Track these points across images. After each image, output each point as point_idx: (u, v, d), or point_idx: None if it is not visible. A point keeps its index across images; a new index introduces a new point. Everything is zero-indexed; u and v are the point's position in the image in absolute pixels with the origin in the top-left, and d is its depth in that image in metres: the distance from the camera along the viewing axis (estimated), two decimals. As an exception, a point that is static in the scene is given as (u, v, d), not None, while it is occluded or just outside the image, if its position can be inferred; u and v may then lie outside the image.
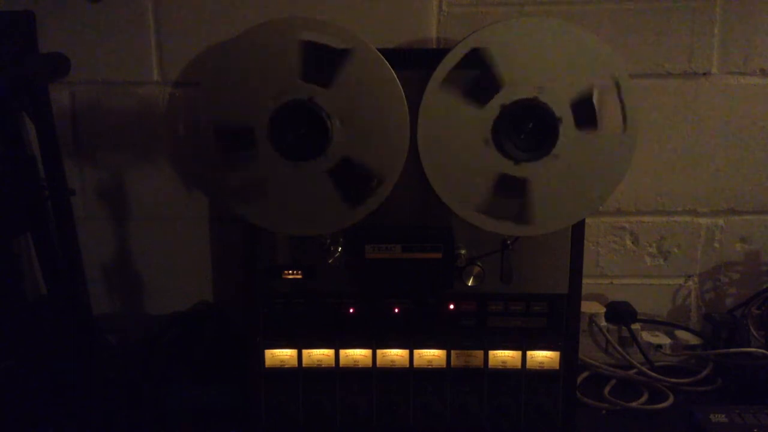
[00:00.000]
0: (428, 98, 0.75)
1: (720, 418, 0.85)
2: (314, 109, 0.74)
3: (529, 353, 0.86)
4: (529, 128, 0.76)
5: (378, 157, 0.76)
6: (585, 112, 0.74)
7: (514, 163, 0.75)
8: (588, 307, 1.02)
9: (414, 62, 0.78)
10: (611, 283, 1.09)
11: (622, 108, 0.75)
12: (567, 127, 0.74)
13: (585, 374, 1.02)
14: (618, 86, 0.74)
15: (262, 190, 0.77)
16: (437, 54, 0.75)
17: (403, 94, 0.75)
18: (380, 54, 0.74)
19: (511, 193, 0.77)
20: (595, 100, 0.74)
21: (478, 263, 0.83)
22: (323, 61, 0.74)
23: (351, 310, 0.86)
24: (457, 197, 0.77)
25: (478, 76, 0.74)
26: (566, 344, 0.86)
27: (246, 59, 0.75)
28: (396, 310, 0.86)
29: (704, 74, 1.01)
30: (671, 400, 0.95)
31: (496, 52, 0.74)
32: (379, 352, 0.87)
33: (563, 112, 0.74)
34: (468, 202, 0.77)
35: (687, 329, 1.06)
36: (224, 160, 0.76)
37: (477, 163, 0.76)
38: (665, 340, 1.03)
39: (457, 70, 0.74)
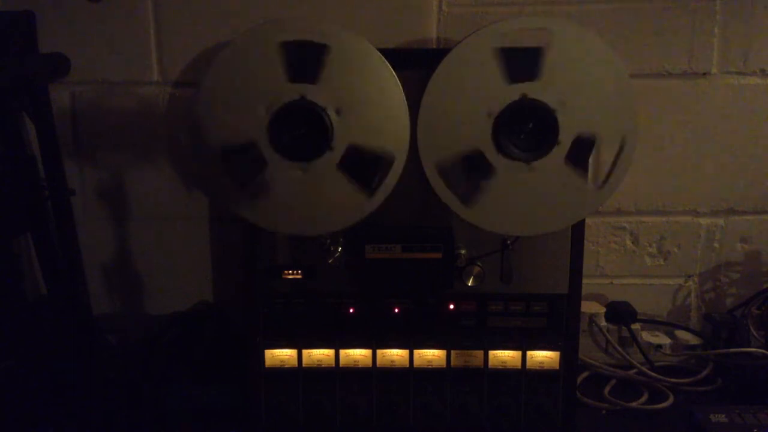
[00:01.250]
0: (472, 40, 0.74)
1: (720, 418, 0.85)
2: (309, 106, 0.74)
3: (529, 353, 0.86)
4: (529, 130, 0.75)
5: (382, 137, 0.76)
6: (581, 152, 0.75)
7: (497, 150, 0.75)
8: (588, 307, 1.02)
9: (414, 62, 0.78)
10: (611, 283, 1.09)
11: (611, 169, 0.75)
12: (559, 153, 0.74)
13: (585, 374, 1.02)
14: (621, 148, 0.75)
15: (274, 196, 0.76)
16: (437, 54, 0.75)
17: (390, 67, 0.74)
18: (360, 36, 0.74)
19: (474, 173, 0.76)
20: (595, 149, 0.75)
21: (478, 263, 0.83)
22: (305, 57, 0.73)
23: (351, 310, 0.86)
24: (429, 148, 0.76)
25: (523, 56, 0.73)
26: (566, 344, 0.86)
27: (234, 73, 0.75)
28: (396, 310, 0.86)
29: (704, 74, 1.01)
30: (671, 400, 0.95)
31: (553, 48, 0.73)
32: (379, 352, 0.87)
33: (565, 138, 0.74)
34: (435, 156, 0.76)
35: (687, 329, 1.06)
36: (235, 179, 0.76)
37: (466, 130, 0.75)
38: (665, 340, 1.03)
39: (508, 38, 0.74)
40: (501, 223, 0.78)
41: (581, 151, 0.75)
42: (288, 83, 0.74)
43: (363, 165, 0.76)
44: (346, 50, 0.74)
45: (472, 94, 0.75)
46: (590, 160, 0.76)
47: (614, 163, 0.75)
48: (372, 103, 0.75)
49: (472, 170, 0.76)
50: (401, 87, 0.75)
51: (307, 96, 0.74)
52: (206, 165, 0.77)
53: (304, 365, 0.87)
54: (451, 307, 0.86)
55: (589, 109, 0.74)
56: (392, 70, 0.75)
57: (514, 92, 0.74)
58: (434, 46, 1.00)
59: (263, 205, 0.77)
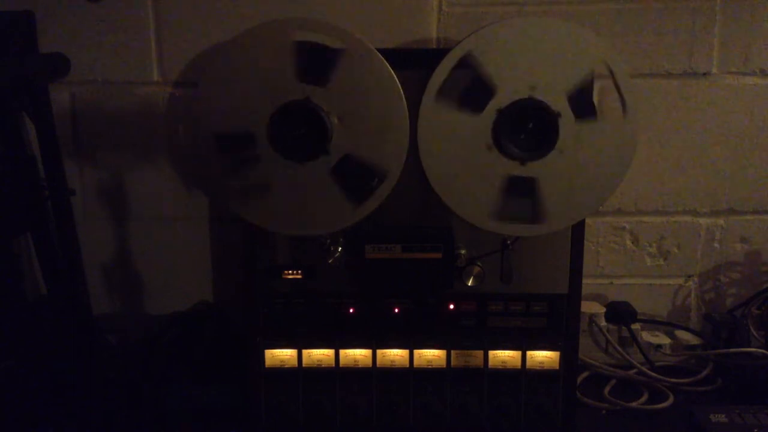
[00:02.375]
0: (425, 111, 0.75)
1: (720, 418, 0.85)
2: (312, 108, 0.74)
3: (529, 353, 0.86)
4: (529, 128, 0.76)
5: (379, 153, 0.76)
6: (582, 103, 0.75)
7: (521, 163, 0.76)
8: (588, 307, 1.02)
9: (414, 62, 0.78)
10: (611, 283, 1.09)
11: (619, 92, 0.75)
12: (566, 121, 0.75)
13: (585, 374, 1.02)
14: (611, 71, 0.74)
15: (264, 192, 0.77)
16: (437, 54, 0.75)
17: (399, 87, 0.75)
18: (375, 50, 0.74)
19: (521, 195, 0.77)
20: (590, 90, 0.74)
21: (478, 263, 0.83)
22: (317, 61, 0.74)
23: (351, 310, 0.86)
24: (468, 206, 0.78)
25: (470, 85, 0.74)
26: (566, 344, 0.86)
27: (241, 64, 0.75)
28: (396, 310, 0.86)
29: (704, 74, 1.01)
30: (671, 400, 0.95)
31: (484, 58, 0.74)
32: (379, 352, 0.87)
33: (561, 106, 0.74)
34: (481, 209, 0.77)
35: (687, 329, 1.06)
36: (226, 166, 0.76)
37: (483, 170, 0.76)
38: (665, 340, 1.03)
39: (449, 82, 0.75)
40: (566, 216, 0.78)
41: (583, 102, 0.74)
42: (296, 81, 0.74)
43: (355, 175, 0.76)
44: (359, 60, 0.74)
45: (461, 130, 0.76)
46: (597, 100, 0.75)
47: (618, 89, 0.74)
48: (375, 117, 0.76)
49: (519, 194, 0.77)
50: (405, 106, 0.75)
51: (313, 98, 0.74)
52: (200, 150, 0.76)
53: (304, 365, 0.87)
54: (451, 307, 0.86)
55: (560, 72, 0.74)
56: (400, 88, 0.75)
57: (489, 114, 0.74)
58: (434, 46, 1.00)
59: (256, 201, 0.77)
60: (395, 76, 0.75)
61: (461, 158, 0.76)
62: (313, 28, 0.74)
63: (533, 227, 0.78)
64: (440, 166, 0.77)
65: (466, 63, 0.74)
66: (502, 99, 0.74)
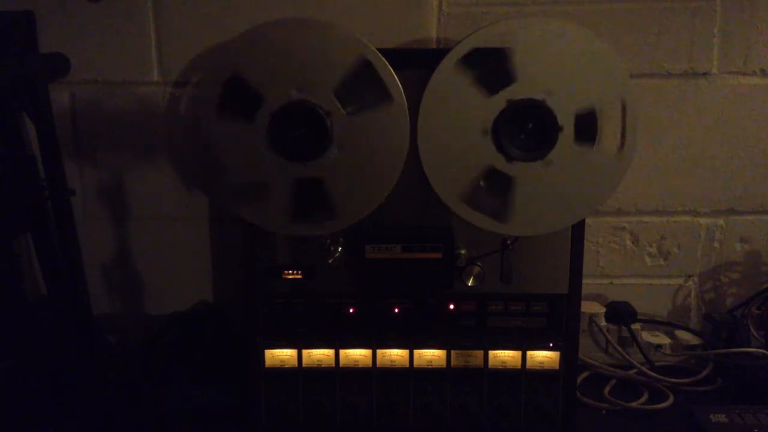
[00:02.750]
0: (440, 74, 0.75)
1: (720, 418, 0.85)
2: (313, 108, 0.74)
3: (529, 353, 0.86)
4: (529, 129, 0.76)
5: (378, 156, 0.76)
6: (586, 126, 0.75)
7: (507, 160, 0.76)
8: (588, 307, 1.02)
9: (414, 62, 0.78)
10: (611, 283, 1.09)
11: (623, 130, 0.75)
12: (566, 137, 0.75)
13: (585, 374, 1.02)
14: (624, 107, 0.75)
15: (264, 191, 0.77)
16: (437, 54, 0.75)
17: (402, 91, 0.75)
18: (378, 52, 0.75)
19: (495, 189, 0.77)
20: (598, 117, 0.75)
21: (478, 263, 0.83)
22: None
23: (351, 310, 0.86)
24: (444, 183, 0.77)
25: (493, 65, 0.74)
26: (566, 344, 0.86)
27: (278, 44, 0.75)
28: (396, 310, 0.86)
29: (704, 74, 1.01)
30: (671, 400, 0.95)
31: (518, 46, 0.74)
32: (379, 352, 0.87)
33: (566, 120, 0.74)
34: (454, 189, 0.77)
35: (687, 329, 1.06)
36: (223, 115, 0.76)
37: (470, 152, 0.76)
38: (665, 340, 1.03)
39: (474, 54, 0.74)
40: (532, 225, 0.79)
41: (587, 126, 0.75)
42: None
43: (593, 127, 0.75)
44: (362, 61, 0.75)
45: (463, 112, 0.76)
46: (599, 131, 0.75)
47: (623, 126, 0.75)
48: (374, 119, 0.76)
49: (493, 186, 0.77)
50: (406, 108, 0.76)
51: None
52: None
53: (304, 365, 0.87)
54: (451, 307, 0.86)
55: (577, 87, 0.75)
56: (401, 90, 0.75)
57: (499, 101, 0.75)
58: (434, 46, 1.00)
59: (256, 198, 0.78)
60: (396, 77, 0.75)
61: (455, 135, 0.76)
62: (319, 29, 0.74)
63: (495, 224, 0.78)
64: (433, 139, 0.77)
65: (497, 46, 0.74)
66: (516, 91, 0.74)
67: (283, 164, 0.76)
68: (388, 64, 0.75)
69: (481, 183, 0.77)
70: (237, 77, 0.75)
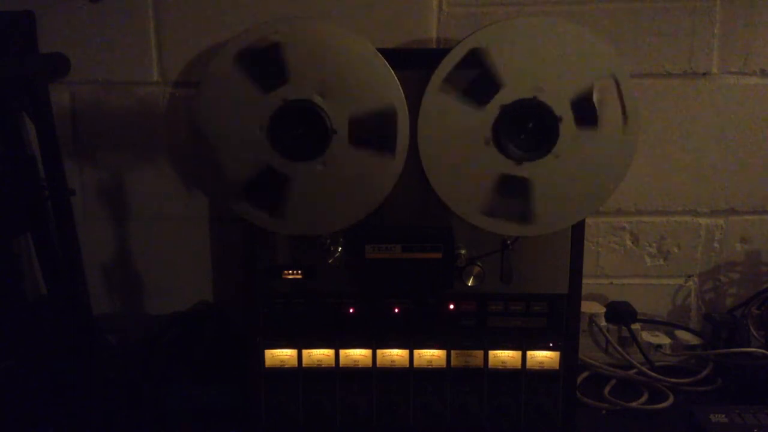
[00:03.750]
0: (428, 100, 0.75)
1: (720, 418, 0.85)
2: (313, 108, 0.74)
3: (529, 353, 0.86)
4: (529, 128, 0.76)
5: (376, 97, 0.76)
6: (585, 111, 0.75)
7: (516, 163, 0.76)
8: (588, 307, 1.02)
9: (414, 62, 0.78)
10: (611, 283, 1.09)
11: (622, 104, 0.75)
12: (567, 126, 0.75)
13: (585, 374, 1.02)
14: (617, 83, 0.74)
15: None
16: (437, 54, 0.75)
17: (401, 91, 0.75)
18: (378, 52, 0.75)
19: (513, 194, 0.77)
20: (594, 98, 0.74)
21: (478, 263, 0.83)
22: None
23: (351, 310, 0.86)
24: (460, 200, 0.78)
25: (477, 77, 0.74)
26: (566, 344, 0.86)
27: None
28: (396, 310, 0.86)
29: (704, 74, 1.01)
30: (671, 400, 0.95)
31: (495, 52, 0.74)
32: (379, 352, 0.87)
33: (563, 111, 0.74)
34: (471, 204, 0.78)
35: (687, 329, 1.06)
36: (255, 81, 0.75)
37: (478, 165, 0.76)
38: (665, 340, 1.03)
39: (456, 71, 0.75)
40: (552, 219, 0.79)
41: (585, 109, 0.75)
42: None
43: (373, 132, 0.76)
44: (361, 60, 0.75)
45: (460, 124, 0.76)
46: (599, 111, 0.75)
47: (622, 102, 0.75)
48: (374, 119, 0.76)
49: (510, 193, 0.77)
50: (406, 107, 0.76)
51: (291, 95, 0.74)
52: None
53: (304, 365, 0.87)
54: (451, 307, 0.86)
55: (566, 76, 0.74)
56: (401, 89, 0.75)
57: (493, 109, 0.75)
58: (434, 46, 1.00)
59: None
60: (395, 77, 0.75)
61: (459, 151, 0.76)
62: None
63: (521, 227, 0.78)
64: (438, 159, 0.77)
65: (476, 55, 0.74)
66: (507, 95, 0.74)
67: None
68: (408, 122, 0.76)
69: (499, 193, 0.77)
70: (275, 43, 0.74)
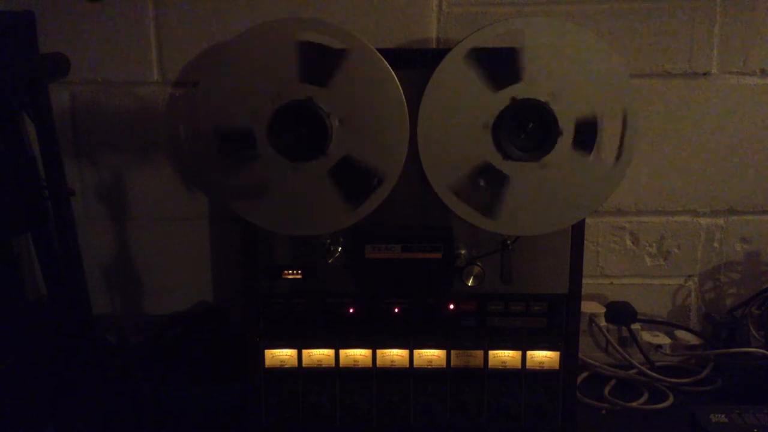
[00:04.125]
0: (446, 65, 0.75)
1: (720, 418, 0.85)
2: (314, 108, 0.74)
3: (529, 353, 0.86)
4: (528, 129, 0.76)
5: (378, 155, 0.76)
6: (585, 135, 0.75)
7: (503, 157, 0.76)
8: (588, 307, 1.02)
9: (414, 62, 0.78)
10: (611, 283, 1.09)
11: (622, 139, 0.75)
12: (564, 142, 0.75)
13: (585, 374, 1.02)
14: (625, 119, 0.75)
15: (263, 191, 0.77)
16: (437, 54, 0.75)
17: (401, 92, 0.75)
18: (377, 52, 0.74)
19: (487, 184, 0.77)
20: (598, 126, 0.75)
21: (478, 263, 0.83)
22: (320, 61, 0.74)
23: (351, 310, 0.86)
24: (437, 168, 0.77)
25: (502, 60, 0.74)
26: (566, 344, 0.86)
27: (243, 61, 0.75)
28: (396, 310, 0.86)
29: (704, 74, 1.01)
30: (671, 400, 0.95)
31: (529, 45, 0.74)
32: (379, 352, 0.87)
33: (566, 125, 0.74)
34: (444, 176, 0.77)
35: (687, 329, 1.06)
36: (225, 162, 0.76)
37: (469, 146, 0.76)
38: (665, 340, 1.03)
39: (484, 48, 0.74)
40: (522, 225, 0.78)
41: (586, 133, 0.75)
42: (298, 81, 0.74)
43: (352, 177, 0.76)
44: (362, 61, 0.74)
45: (466, 107, 0.75)
46: (598, 140, 0.75)
47: (622, 138, 0.75)
48: (375, 120, 0.76)
49: (486, 182, 0.77)
50: (407, 111, 0.75)
51: (314, 98, 0.74)
52: (198, 141, 0.76)
53: (304, 365, 0.87)
54: (451, 307, 0.86)
55: (581, 92, 0.74)
56: (401, 92, 0.75)
57: (502, 98, 0.74)
58: (434, 46, 1.00)
59: (255, 201, 0.77)
60: (396, 79, 0.75)
61: (456, 124, 0.76)
62: (317, 29, 0.74)
63: (480, 219, 0.78)
64: (433, 124, 0.76)
65: (512, 38, 0.74)
66: (521, 90, 0.74)
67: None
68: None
69: (479, 180, 0.77)
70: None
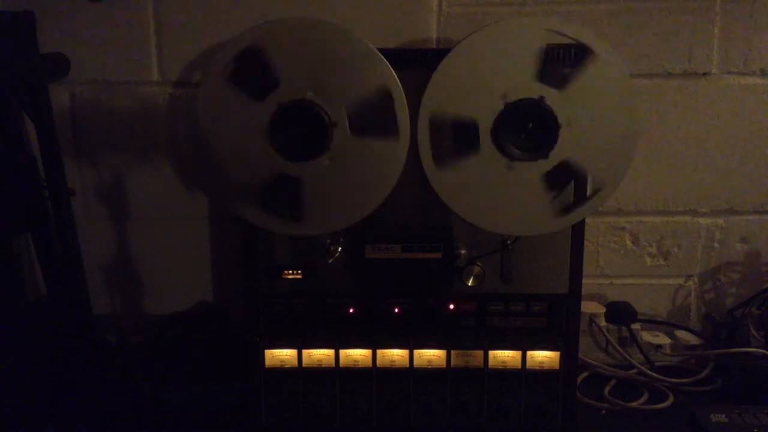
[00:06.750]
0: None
1: (720, 418, 0.85)
2: (313, 108, 0.73)
3: (529, 353, 0.86)
4: (529, 127, 0.75)
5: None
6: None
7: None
8: (588, 307, 1.02)
9: (414, 62, 0.78)
10: (611, 283, 1.09)
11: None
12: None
13: (585, 374, 1.02)
14: (598, 190, 0.75)
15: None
16: (437, 54, 0.75)
17: (393, 72, 0.74)
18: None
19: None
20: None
21: (478, 263, 0.83)
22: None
23: (351, 310, 0.86)
24: (424, 143, 0.76)
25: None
26: (566, 344, 0.86)
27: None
28: (396, 310, 0.86)
29: (704, 74, 1.01)
30: (671, 400, 0.95)
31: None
32: (379, 352, 0.87)
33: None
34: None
35: (687, 329, 1.06)
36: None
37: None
38: (665, 340, 1.03)
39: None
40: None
41: (560, 175, 0.75)
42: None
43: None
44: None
45: (487, 76, 0.74)
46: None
47: (582, 201, 0.76)
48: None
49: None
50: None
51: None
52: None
53: (304, 365, 0.87)
54: (451, 307, 0.86)
55: (589, 141, 0.74)
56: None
57: (532, 90, 0.74)
58: (434, 46, 1.00)
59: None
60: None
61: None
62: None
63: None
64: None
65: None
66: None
67: (272, 154, 0.75)
68: (405, 101, 0.74)
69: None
70: (257, 50, 0.73)
